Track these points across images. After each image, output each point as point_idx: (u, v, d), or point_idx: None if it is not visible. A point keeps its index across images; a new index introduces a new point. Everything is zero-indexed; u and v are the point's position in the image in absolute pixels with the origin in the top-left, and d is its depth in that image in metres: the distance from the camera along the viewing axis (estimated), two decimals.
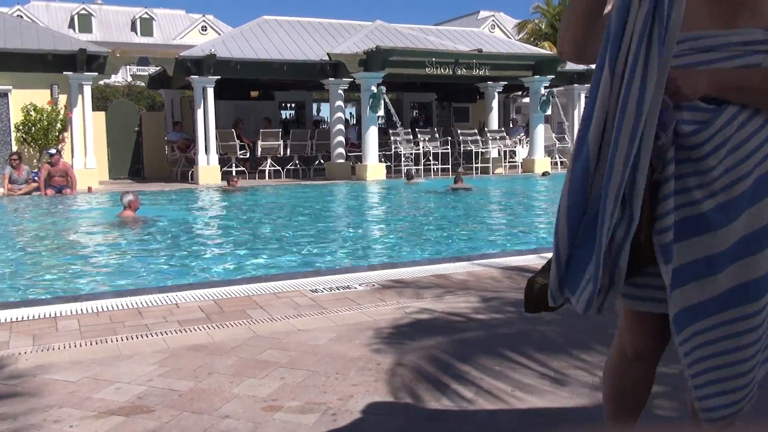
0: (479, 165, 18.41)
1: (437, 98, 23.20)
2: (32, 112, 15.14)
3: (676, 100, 1.51)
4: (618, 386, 1.75)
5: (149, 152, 18.88)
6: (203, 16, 49.47)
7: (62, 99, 15.41)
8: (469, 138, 18.60)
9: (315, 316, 3.91)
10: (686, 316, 1.52)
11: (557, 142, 20.04)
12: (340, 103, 17.85)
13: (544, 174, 17.68)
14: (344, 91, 18.05)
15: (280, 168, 17.53)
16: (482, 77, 18.69)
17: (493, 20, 46.79)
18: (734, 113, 1.52)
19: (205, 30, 47.91)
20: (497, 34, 35.44)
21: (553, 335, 3.45)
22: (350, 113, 28.22)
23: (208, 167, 16.32)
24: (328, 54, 17.04)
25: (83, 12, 47.43)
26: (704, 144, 1.51)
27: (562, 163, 19.81)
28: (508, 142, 19.18)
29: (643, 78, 1.41)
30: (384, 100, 16.92)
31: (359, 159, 17.84)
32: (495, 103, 19.33)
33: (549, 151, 19.87)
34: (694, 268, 1.52)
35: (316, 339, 3.45)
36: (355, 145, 18.58)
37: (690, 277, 1.52)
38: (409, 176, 15.58)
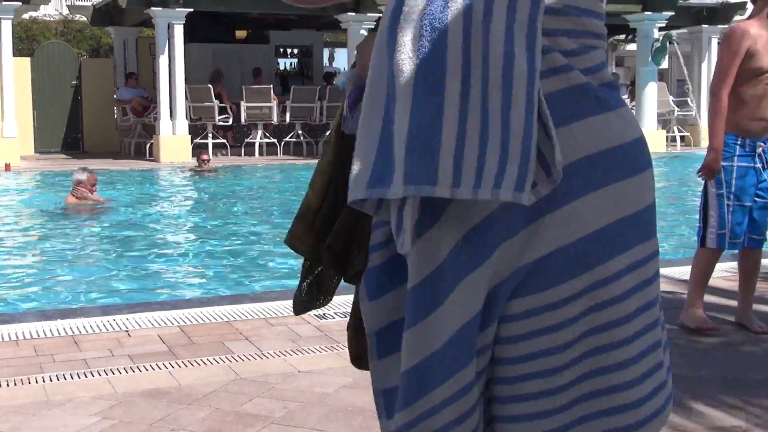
0: None
1: None
2: None
3: None
4: None
5: (92, 116, 19.07)
6: None
7: None
8: None
9: (323, 351, 3.93)
10: None
11: (676, 108, 19.76)
12: None
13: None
14: (370, 31, 18.05)
15: (276, 141, 17.63)
16: None
17: None
18: None
19: None
20: None
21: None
22: None
23: (173, 138, 16.46)
24: None
25: None
26: None
27: (682, 138, 19.56)
28: None
29: None
30: None
31: None
32: None
33: (664, 121, 19.62)
34: None
35: (324, 385, 3.47)
36: None
37: None
38: None
